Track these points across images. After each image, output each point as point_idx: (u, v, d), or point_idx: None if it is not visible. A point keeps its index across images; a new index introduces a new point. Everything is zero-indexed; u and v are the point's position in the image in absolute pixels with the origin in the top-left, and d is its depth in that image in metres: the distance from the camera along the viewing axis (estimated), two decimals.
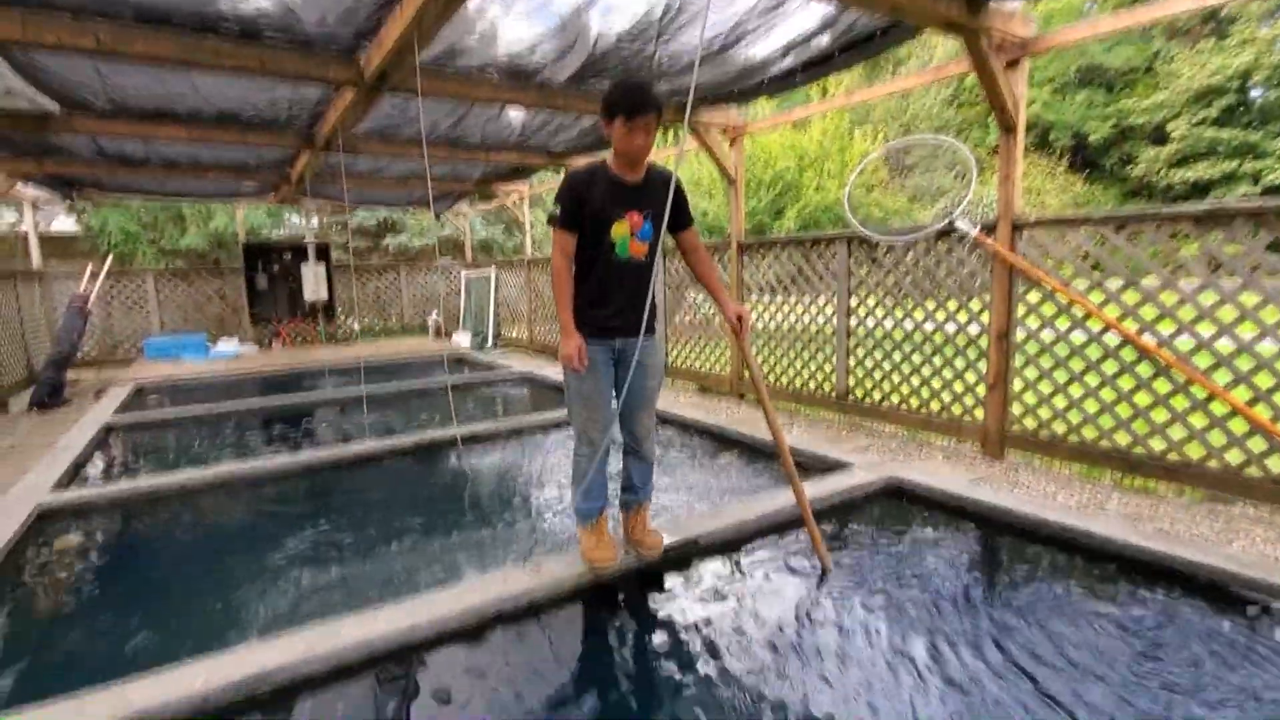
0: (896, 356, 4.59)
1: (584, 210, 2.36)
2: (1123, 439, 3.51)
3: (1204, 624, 2.23)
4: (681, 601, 2.46)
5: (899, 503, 3.33)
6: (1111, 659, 2.06)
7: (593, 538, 2.52)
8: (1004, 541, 2.91)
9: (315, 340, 11.16)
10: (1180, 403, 3.30)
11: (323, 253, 10.76)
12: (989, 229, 3.96)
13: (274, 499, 3.76)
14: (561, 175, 9.53)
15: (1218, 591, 2.38)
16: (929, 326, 4.44)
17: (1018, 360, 3.92)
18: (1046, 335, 3.82)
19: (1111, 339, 3.56)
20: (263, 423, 5.70)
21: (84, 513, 3.49)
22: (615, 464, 2.80)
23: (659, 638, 2.25)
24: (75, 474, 4.14)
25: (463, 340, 10.54)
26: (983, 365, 4.08)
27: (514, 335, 10.32)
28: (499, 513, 3.41)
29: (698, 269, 2.66)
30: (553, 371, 7.01)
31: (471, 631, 2.22)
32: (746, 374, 5.63)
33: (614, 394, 2.54)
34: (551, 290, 2.32)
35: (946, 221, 4.16)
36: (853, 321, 4.88)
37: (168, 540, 3.28)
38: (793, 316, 5.37)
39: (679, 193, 2.48)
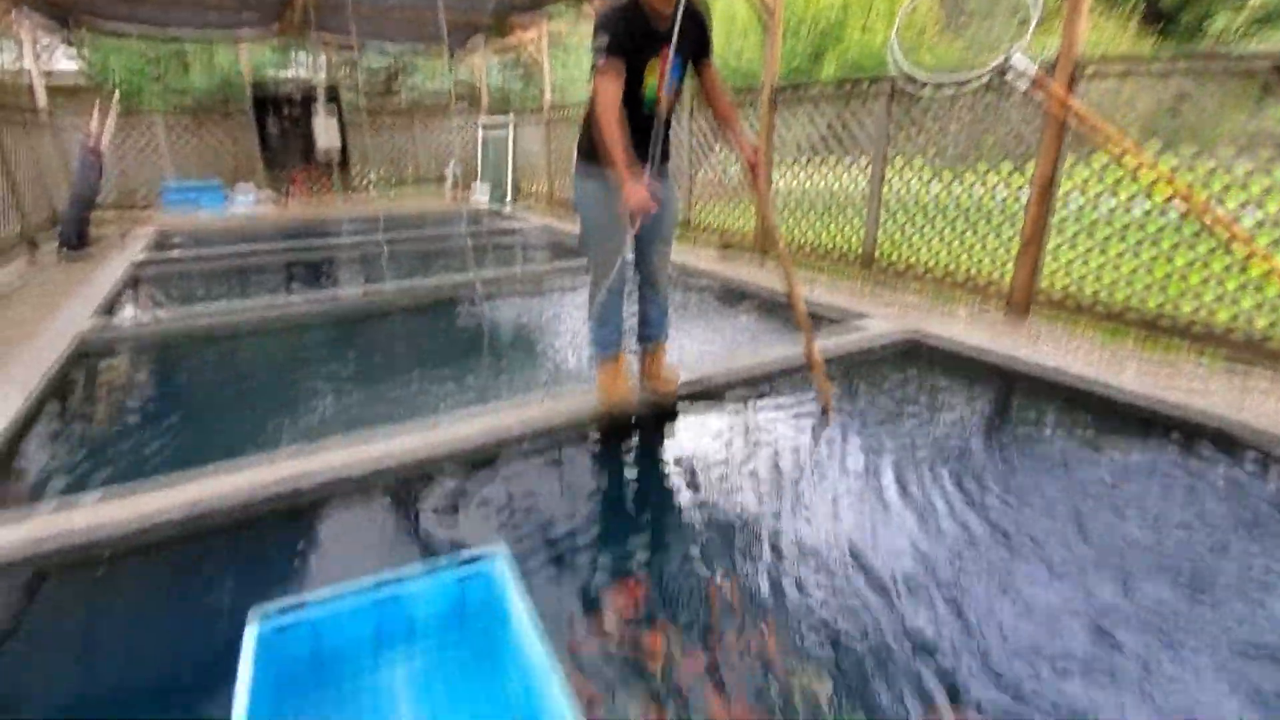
0: (930, 218, 4.42)
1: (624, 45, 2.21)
2: (1152, 302, 3.43)
3: (1208, 468, 2.30)
4: (691, 437, 2.57)
5: (915, 356, 3.35)
6: (1102, 500, 2.15)
7: (610, 373, 2.59)
8: (1016, 393, 2.96)
9: (331, 192, 10.98)
10: (1218, 264, 3.19)
11: (333, 96, 10.30)
12: (1048, 68, 3.64)
13: (302, 338, 3.88)
14: (579, 13, 8.80)
15: (1226, 441, 2.44)
16: (967, 193, 4.23)
17: (1058, 215, 3.75)
18: (1094, 188, 3.63)
19: (1159, 193, 3.38)
20: (286, 269, 5.77)
21: (121, 344, 3.64)
22: (632, 307, 2.81)
23: (668, 469, 2.37)
24: (109, 310, 4.27)
25: (481, 195, 10.31)
26: (1020, 221, 3.92)
27: (533, 190, 10.06)
28: (518, 355, 3.50)
29: (716, 105, 2.53)
30: (571, 225, 6.90)
31: (488, 455, 2.36)
32: (769, 228, 5.48)
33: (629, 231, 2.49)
34: (600, 135, 2.19)
35: (1003, 59, 3.82)
36: (887, 190, 4.66)
37: (202, 371, 3.44)
38: (823, 183, 5.14)
39: (706, 22, 2.36)
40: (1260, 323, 3.08)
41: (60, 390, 3.04)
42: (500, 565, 1.52)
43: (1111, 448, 2.47)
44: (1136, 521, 2.01)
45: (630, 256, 2.57)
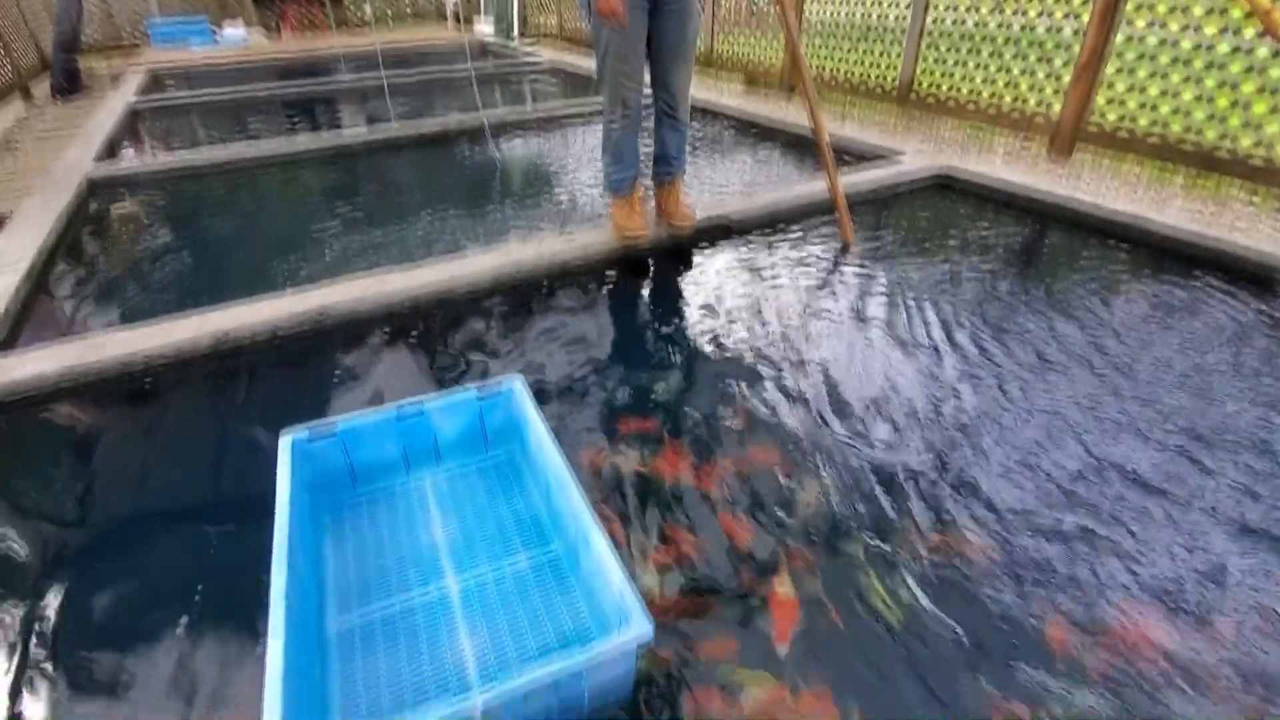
0: (975, 46, 4.00)
1: None
2: (1211, 134, 3.17)
3: (1245, 304, 2.25)
4: (707, 274, 2.53)
5: (946, 193, 3.20)
6: (1130, 331, 2.12)
7: (625, 208, 2.51)
8: (1049, 230, 2.85)
9: (324, 27, 10.18)
10: None
11: None
12: None
13: (310, 177, 3.78)
14: None
15: (1266, 279, 2.36)
16: (1020, 13, 3.77)
17: (1120, 36, 3.38)
18: (1161, 7, 3.22)
19: (1236, 9, 2.99)
20: (285, 108, 5.50)
21: (130, 183, 3.58)
22: (648, 140, 2.66)
23: (683, 305, 2.36)
24: (112, 151, 4.15)
25: (485, 29, 9.51)
26: (1075, 47, 3.54)
27: (541, 23, 9.24)
28: (531, 194, 3.39)
29: None
30: (585, 61, 6.40)
31: (504, 290, 2.36)
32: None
33: (648, 49, 2.29)
34: None
35: None
36: (931, 17, 4.18)
37: (212, 208, 3.40)
38: (860, 10, 4.60)
39: None
40: None
41: (74, 231, 3.04)
42: (518, 390, 1.57)
43: (1144, 283, 2.41)
44: (1164, 350, 2.01)
45: (648, 82, 2.40)
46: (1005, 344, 2.06)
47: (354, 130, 4.24)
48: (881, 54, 4.61)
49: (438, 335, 2.17)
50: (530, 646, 1.20)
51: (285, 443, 1.37)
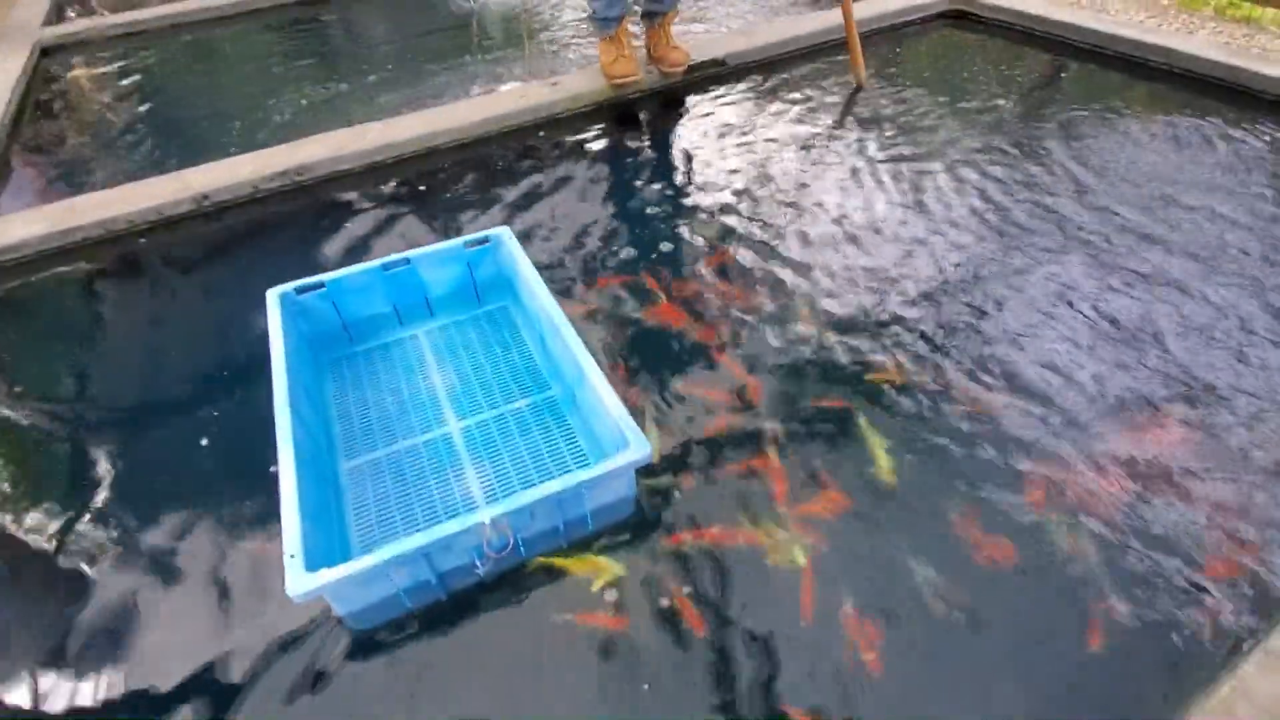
0: None
1: None
2: None
3: (1256, 128, 2.16)
4: (702, 122, 2.40)
5: (962, 24, 2.96)
6: (1145, 154, 2.04)
7: (612, 50, 2.34)
8: (1069, 61, 2.67)
9: None
10: None
11: None
12: None
13: (277, 30, 3.51)
14: None
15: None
16: None
17: None
18: None
19: None
20: None
21: (83, 45, 3.34)
22: None
23: (676, 155, 2.26)
24: (59, 14, 3.83)
25: None
26: None
27: None
28: (515, 45, 3.15)
29: None
30: None
31: (490, 140, 2.27)
32: None
33: None
34: None
35: None
36: None
37: (175, 70, 3.19)
38: None
39: None
40: None
41: (33, 97, 2.88)
42: (506, 241, 1.55)
43: (1166, 110, 2.32)
44: (1174, 171, 1.99)
45: None
46: (1027, 177, 2.00)
47: None
48: None
49: (423, 189, 2.11)
50: (534, 478, 1.27)
51: (273, 296, 1.38)
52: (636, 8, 2.46)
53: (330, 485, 1.25)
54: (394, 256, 1.50)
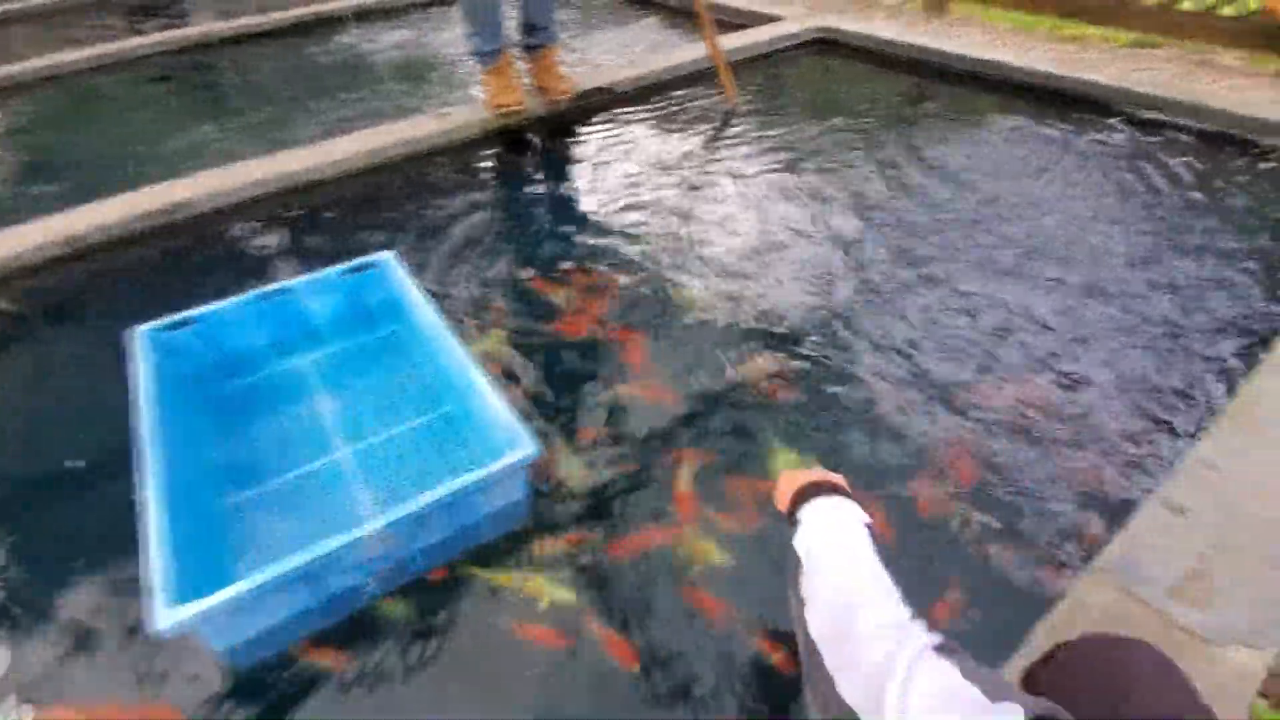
0: None
1: None
2: None
3: (1083, 129, 2.46)
4: (590, 147, 2.49)
5: (827, 51, 3.22)
6: (988, 157, 2.26)
7: (496, 81, 2.40)
8: (923, 80, 2.95)
9: None
10: None
11: None
12: None
13: (154, 77, 3.41)
14: None
15: (1101, 105, 2.58)
16: None
17: None
18: None
19: None
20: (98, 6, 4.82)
21: None
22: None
23: (566, 178, 2.33)
24: None
25: None
26: None
27: None
28: (403, 83, 3.18)
29: None
30: None
31: (378, 172, 2.27)
32: None
33: None
34: None
35: None
36: None
37: (54, 117, 3.04)
38: None
39: None
40: None
41: None
42: (391, 265, 1.55)
43: (1006, 115, 2.59)
44: (1015, 170, 2.23)
45: None
46: (880, 184, 2.18)
47: (200, 28, 3.80)
48: None
49: (311, 223, 2.08)
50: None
51: (136, 335, 1.32)
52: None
53: (211, 523, 1.20)
54: (272, 286, 1.47)
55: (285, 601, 1.01)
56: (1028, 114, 2.59)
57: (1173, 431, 1.34)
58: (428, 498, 1.03)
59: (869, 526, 0.73)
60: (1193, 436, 1.30)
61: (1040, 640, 0.91)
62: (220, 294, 1.76)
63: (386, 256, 1.57)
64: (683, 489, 1.26)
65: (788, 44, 3.16)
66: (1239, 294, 1.68)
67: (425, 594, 1.12)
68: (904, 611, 0.61)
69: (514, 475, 1.14)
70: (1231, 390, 1.40)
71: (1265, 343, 1.50)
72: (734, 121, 2.61)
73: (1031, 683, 0.74)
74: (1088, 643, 0.72)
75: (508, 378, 1.52)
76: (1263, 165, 2.20)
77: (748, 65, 2.98)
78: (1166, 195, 2.08)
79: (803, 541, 0.74)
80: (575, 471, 1.31)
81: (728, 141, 2.48)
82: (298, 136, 2.59)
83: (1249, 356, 1.48)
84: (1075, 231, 1.93)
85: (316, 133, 2.60)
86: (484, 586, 1.13)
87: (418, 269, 1.79)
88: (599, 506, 1.25)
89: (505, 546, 1.19)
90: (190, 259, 1.95)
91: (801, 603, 0.68)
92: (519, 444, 1.10)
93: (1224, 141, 2.31)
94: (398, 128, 2.36)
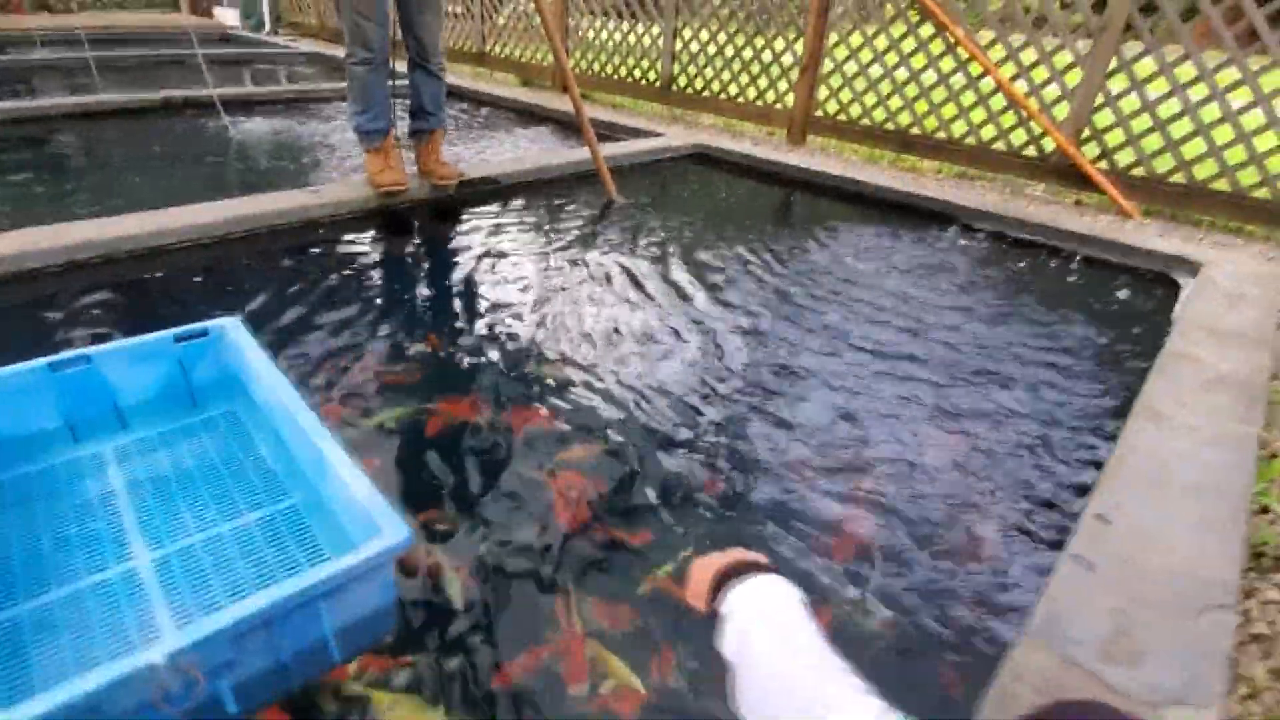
0: (721, 54, 4.39)
1: None
2: (904, 119, 3.77)
3: (928, 233, 2.75)
4: (473, 231, 2.41)
5: (703, 164, 3.47)
6: (851, 254, 2.41)
7: (379, 160, 2.30)
8: (785, 190, 3.25)
9: (18, 6, 8.33)
10: (958, 82, 3.55)
11: None
12: None
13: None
14: None
15: (942, 217, 2.92)
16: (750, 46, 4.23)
17: (831, 39, 3.92)
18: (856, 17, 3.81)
19: (915, 15, 3.63)
20: None
21: None
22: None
23: (444, 262, 2.21)
24: None
25: (228, 17, 8.45)
26: (800, 47, 4.04)
27: (301, 22, 8.41)
28: (273, 173, 3.00)
29: None
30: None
31: (236, 241, 2.04)
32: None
33: None
34: None
35: None
36: (679, 43, 4.58)
37: None
38: (620, 36, 4.85)
39: None
40: (986, 134, 3.54)
41: None
42: (232, 333, 1.32)
43: (864, 224, 2.84)
44: (874, 263, 2.41)
45: (398, 35, 2.23)
46: (745, 275, 2.24)
47: (54, 100, 3.46)
48: (643, 57, 4.87)
49: (143, 294, 1.81)
50: None
51: None
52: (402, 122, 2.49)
53: None
54: (66, 354, 1.19)
55: None
56: (882, 222, 2.88)
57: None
58: (248, 606, 0.79)
59: (805, 604, 0.62)
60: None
61: (989, 714, 0.85)
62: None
63: (226, 322, 1.34)
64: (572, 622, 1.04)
65: (670, 155, 3.37)
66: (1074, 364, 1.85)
67: None
68: (875, 703, 0.49)
69: (375, 572, 0.91)
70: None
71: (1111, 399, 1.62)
72: (614, 217, 2.67)
73: None
74: (1050, 715, 0.61)
75: (372, 466, 1.29)
76: (1071, 265, 2.61)
77: (633, 171, 3.13)
78: (1005, 284, 2.34)
79: (731, 642, 0.60)
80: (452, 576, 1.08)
81: (606, 233, 2.52)
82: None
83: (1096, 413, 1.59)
84: (936, 321, 2.06)
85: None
86: None
87: (270, 346, 1.55)
88: (484, 615, 1.03)
89: (361, 669, 0.93)
90: None
91: None
92: (385, 528, 0.89)
93: (1042, 247, 2.71)
94: (263, 199, 2.17)
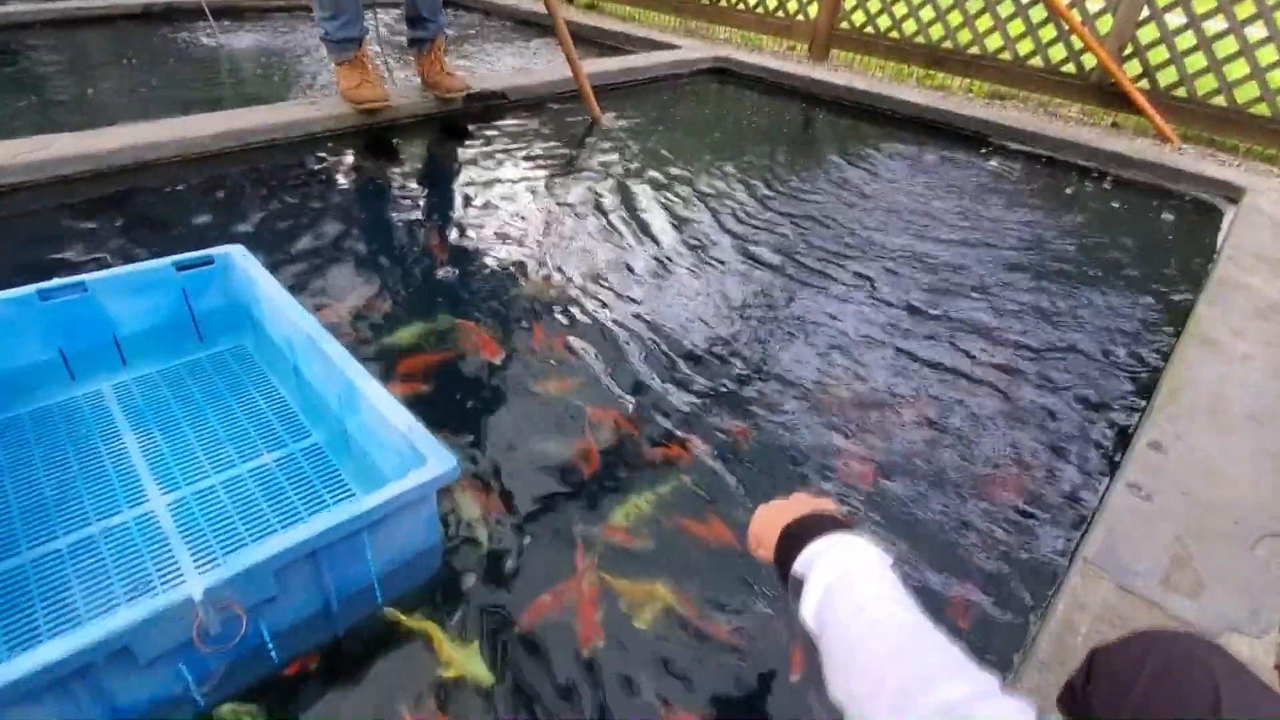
0: None
1: None
2: (936, 32, 3.52)
3: (960, 153, 2.63)
4: (477, 151, 2.25)
5: (721, 78, 3.27)
6: (879, 176, 2.28)
7: (353, 74, 2.10)
8: (811, 108, 3.06)
9: None
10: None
11: None
12: None
13: None
14: None
15: (974, 137, 2.78)
16: None
17: None
18: None
19: None
20: None
21: None
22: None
23: (446, 185, 2.07)
24: None
25: None
26: None
27: None
28: (265, 85, 2.78)
29: None
30: None
31: (232, 156, 1.90)
32: None
33: None
34: None
35: None
36: None
37: None
38: None
39: None
40: (1023, 48, 3.31)
41: None
42: (238, 261, 1.20)
43: (895, 142, 2.69)
44: (904, 184, 2.29)
45: None
46: (773, 189, 2.13)
47: (25, 5, 3.18)
48: None
49: (134, 210, 1.67)
50: None
51: None
52: (383, 31, 2.27)
53: None
54: (59, 281, 1.07)
55: None
56: (911, 141, 2.71)
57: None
58: (291, 538, 0.71)
59: (893, 566, 0.55)
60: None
61: (1048, 644, 0.84)
62: None
63: (232, 249, 1.22)
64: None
65: (689, 69, 3.15)
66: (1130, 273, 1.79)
67: (282, 699, 0.77)
68: (983, 675, 0.43)
69: (421, 505, 0.84)
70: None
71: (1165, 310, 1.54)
72: (629, 135, 2.50)
73: (1077, 701, 0.59)
74: (1133, 646, 0.57)
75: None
76: (1111, 188, 2.50)
77: (649, 85, 2.94)
78: (1042, 207, 2.23)
79: (813, 608, 0.54)
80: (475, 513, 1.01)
81: (621, 151, 2.36)
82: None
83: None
84: (972, 241, 1.97)
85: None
86: (380, 672, 0.80)
87: (270, 267, 1.43)
88: (517, 552, 0.97)
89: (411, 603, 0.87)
90: None
91: (838, 706, 0.48)
92: (430, 458, 0.81)
93: (1079, 169, 2.59)
94: (259, 111, 2.02)
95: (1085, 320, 1.63)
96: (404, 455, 0.85)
